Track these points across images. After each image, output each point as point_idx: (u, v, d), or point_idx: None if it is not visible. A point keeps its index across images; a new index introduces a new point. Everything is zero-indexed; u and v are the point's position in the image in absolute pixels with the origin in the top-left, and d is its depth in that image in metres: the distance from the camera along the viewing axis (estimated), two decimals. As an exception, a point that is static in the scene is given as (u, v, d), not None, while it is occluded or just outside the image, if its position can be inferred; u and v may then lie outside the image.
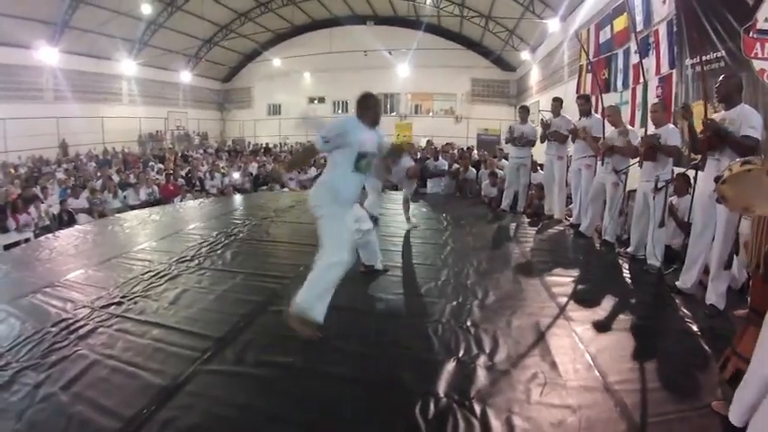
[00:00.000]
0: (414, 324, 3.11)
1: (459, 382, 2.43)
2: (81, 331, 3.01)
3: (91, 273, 4.28)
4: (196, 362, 2.59)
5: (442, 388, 2.37)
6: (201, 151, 19.69)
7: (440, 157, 10.12)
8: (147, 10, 17.47)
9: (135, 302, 3.49)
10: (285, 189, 11.11)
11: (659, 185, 4.40)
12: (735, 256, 3.68)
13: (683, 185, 4.84)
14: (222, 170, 12.60)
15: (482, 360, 2.65)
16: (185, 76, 23.76)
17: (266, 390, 2.39)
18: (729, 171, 2.31)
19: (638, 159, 4.87)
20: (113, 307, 3.40)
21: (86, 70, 18.46)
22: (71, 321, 3.15)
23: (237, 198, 9.14)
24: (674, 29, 6.50)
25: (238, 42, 24.31)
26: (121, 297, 3.58)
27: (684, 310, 3.54)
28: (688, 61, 6.08)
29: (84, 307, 3.42)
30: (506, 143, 7.50)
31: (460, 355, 2.71)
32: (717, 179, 2.42)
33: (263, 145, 21.49)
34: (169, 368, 2.54)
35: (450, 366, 2.57)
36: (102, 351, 2.74)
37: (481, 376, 2.49)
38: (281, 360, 2.64)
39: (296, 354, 2.70)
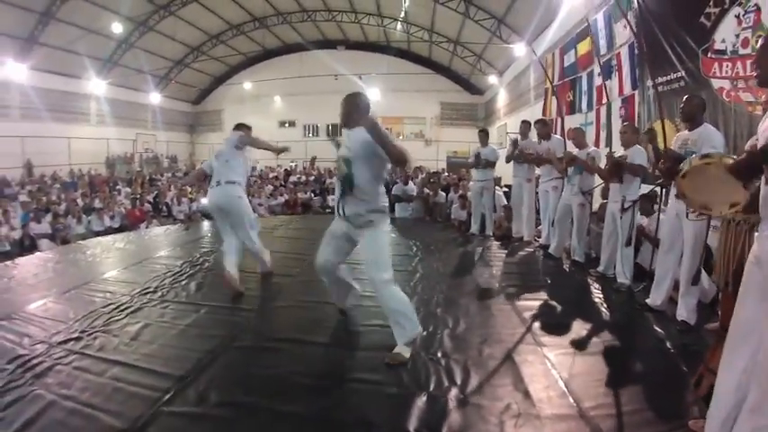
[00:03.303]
0: (382, 357, 2.97)
1: (429, 417, 2.35)
2: (38, 369, 2.83)
3: (50, 305, 4.07)
4: (156, 403, 2.45)
5: (412, 425, 2.28)
6: (170, 174, 19.27)
7: (410, 182, 9.97)
8: (117, 29, 17.19)
9: (95, 338, 3.31)
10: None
11: (626, 206, 4.50)
12: (703, 271, 3.74)
13: (647, 206, 4.93)
14: (190, 195, 12.34)
15: (453, 393, 2.58)
16: (155, 98, 23.41)
17: (229, 433, 2.27)
18: (689, 164, 2.34)
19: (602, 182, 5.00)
20: (72, 342, 3.22)
21: (55, 88, 17.88)
22: (28, 358, 2.96)
23: (205, 224, 8.89)
24: (636, 51, 6.73)
25: (209, 64, 24.16)
26: (81, 332, 3.39)
27: (656, 328, 3.57)
28: (649, 82, 6.30)
29: (41, 342, 3.22)
30: (471, 167, 7.51)
31: (431, 388, 2.63)
32: (677, 172, 2.47)
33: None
34: (128, 410, 2.39)
35: (421, 401, 2.48)
36: (59, 391, 2.57)
37: (453, 410, 2.41)
38: (245, 400, 2.52)
39: (261, 392, 2.59)
